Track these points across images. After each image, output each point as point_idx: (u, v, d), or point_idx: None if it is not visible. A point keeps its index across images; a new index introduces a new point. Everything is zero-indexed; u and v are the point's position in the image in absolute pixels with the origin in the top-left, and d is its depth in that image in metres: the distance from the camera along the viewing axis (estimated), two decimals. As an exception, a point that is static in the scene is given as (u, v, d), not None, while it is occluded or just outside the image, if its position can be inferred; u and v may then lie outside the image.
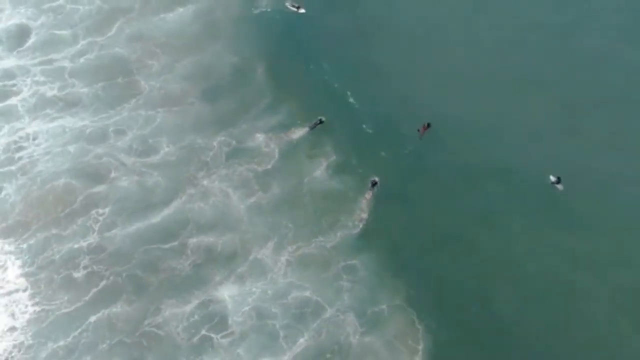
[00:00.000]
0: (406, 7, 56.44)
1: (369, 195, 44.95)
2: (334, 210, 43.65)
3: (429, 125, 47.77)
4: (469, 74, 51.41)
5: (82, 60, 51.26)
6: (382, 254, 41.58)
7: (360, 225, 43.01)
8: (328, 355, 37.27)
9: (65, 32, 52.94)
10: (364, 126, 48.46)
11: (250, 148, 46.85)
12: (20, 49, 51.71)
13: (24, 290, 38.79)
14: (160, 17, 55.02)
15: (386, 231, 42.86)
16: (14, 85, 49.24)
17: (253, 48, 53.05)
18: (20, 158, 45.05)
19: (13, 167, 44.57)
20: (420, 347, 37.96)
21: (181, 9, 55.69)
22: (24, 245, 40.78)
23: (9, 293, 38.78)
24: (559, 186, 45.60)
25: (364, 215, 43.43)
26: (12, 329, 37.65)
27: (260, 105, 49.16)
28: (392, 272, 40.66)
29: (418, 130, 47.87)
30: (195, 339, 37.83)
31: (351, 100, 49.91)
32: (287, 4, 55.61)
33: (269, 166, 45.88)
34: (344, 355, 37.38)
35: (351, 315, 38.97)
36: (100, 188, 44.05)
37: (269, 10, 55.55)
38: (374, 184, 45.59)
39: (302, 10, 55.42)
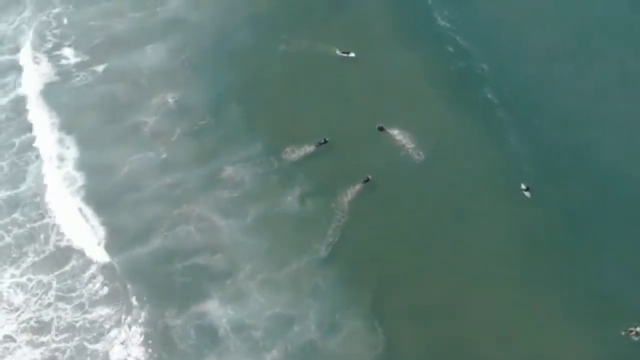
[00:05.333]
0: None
1: (359, 187, 49.48)
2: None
3: (368, 179, 50.39)
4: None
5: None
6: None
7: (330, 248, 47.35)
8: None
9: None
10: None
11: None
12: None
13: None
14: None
15: (352, 253, 47.03)
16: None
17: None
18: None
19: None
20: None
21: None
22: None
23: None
24: (527, 193, 48.35)
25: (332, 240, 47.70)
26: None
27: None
28: (354, 289, 45.22)
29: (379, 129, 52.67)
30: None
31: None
32: (338, 52, 57.64)
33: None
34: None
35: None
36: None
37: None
38: (367, 180, 49.83)
39: (352, 55, 57.39)
